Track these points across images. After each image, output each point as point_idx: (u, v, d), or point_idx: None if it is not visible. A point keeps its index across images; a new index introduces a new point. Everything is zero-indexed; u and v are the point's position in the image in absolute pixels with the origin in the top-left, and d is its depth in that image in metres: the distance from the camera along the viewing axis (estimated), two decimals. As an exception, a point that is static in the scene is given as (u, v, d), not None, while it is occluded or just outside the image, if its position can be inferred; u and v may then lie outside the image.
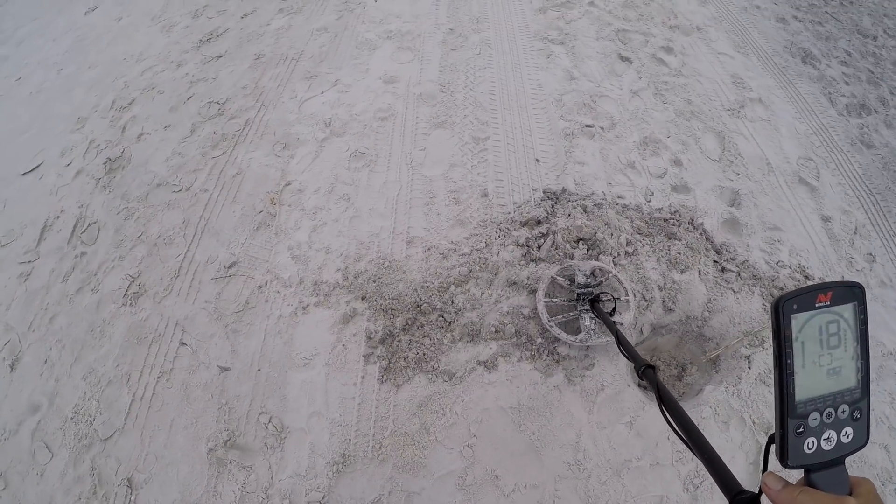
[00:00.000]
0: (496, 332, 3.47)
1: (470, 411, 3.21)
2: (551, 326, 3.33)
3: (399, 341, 3.46)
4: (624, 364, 3.38)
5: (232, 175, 4.59)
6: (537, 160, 4.52)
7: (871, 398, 2.74)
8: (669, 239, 3.97)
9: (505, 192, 4.27)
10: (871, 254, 4.23)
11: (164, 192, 4.59)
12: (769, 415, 3.22)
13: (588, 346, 3.36)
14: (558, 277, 3.55)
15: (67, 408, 3.54)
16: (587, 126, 4.83)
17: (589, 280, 3.53)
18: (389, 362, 3.39)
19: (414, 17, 6.15)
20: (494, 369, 3.34)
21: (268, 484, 3.08)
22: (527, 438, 3.11)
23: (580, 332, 3.33)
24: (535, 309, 3.48)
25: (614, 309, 3.30)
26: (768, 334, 3.54)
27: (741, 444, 3.15)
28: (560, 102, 5.07)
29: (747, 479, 3.06)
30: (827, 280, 3.82)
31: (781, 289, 3.78)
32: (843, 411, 1.03)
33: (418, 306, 3.59)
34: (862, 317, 1.03)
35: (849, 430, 1.03)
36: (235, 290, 3.88)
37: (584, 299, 3.44)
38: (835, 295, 0.99)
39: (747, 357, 3.44)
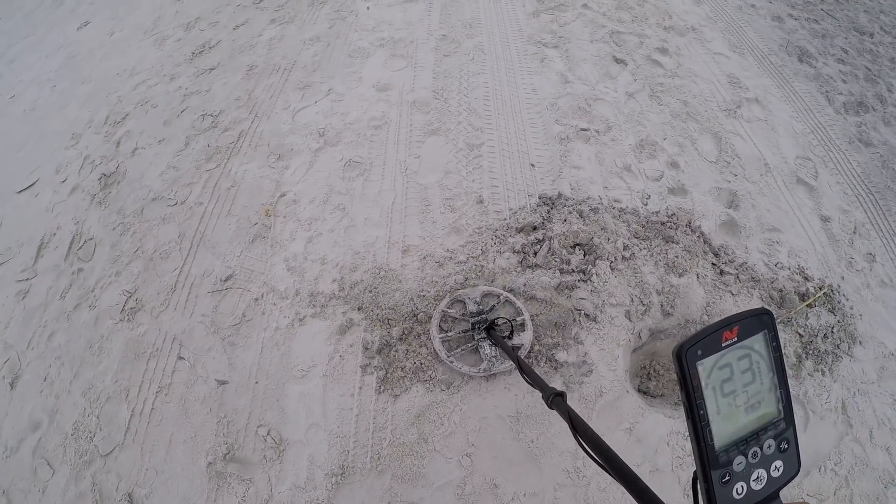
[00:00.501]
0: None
1: (468, 420, 3.20)
2: (451, 361, 3.31)
3: (396, 351, 3.44)
4: (622, 370, 3.37)
5: (227, 187, 4.58)
6: (532, 165, 4.51)
7: (876, 399, 2.71)
8: (667, 242, 3.95)
9: (500, 198, 4.26)
10: (871, 253, 4.21)
11: (159, 206, 4.59)
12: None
13: (493, 375, 3.32)
14: (448, 310, 3.53)
15: (67, 424, 3.53)
16: (582, 130, 4.82)
17: (480, 307, 3.52)
18: (387, 372, 3.37)
19: (406, 23, 6.15)
20: (492, 377, 3.33)
21: (267, 497, 3.06)
22: (525, 447, 3.09)
23: (482, 361, 3.32)
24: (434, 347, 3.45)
25: (512, 332, 3.31)
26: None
27: (742, 448, 3.14)
28: (555, 106, 5.07)
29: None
30: (826, 282, 3.84)
31: (780, 290, 3.76)
32: (769, 446, 1.00)
33: (415, 315, 3.57)
34: (774, 344, 1.00)
35: (778, 463, 1.00)
36: (232, 303, 3.87)
37: (479, 328, 3.41)
38: (742, 329, 0.96)
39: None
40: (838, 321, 3.69)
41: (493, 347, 3.29)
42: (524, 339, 3.36)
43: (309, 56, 5.84)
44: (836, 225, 4.35)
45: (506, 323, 3.30)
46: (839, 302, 3.80)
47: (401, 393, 3.31)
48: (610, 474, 1.48)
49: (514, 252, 3.83)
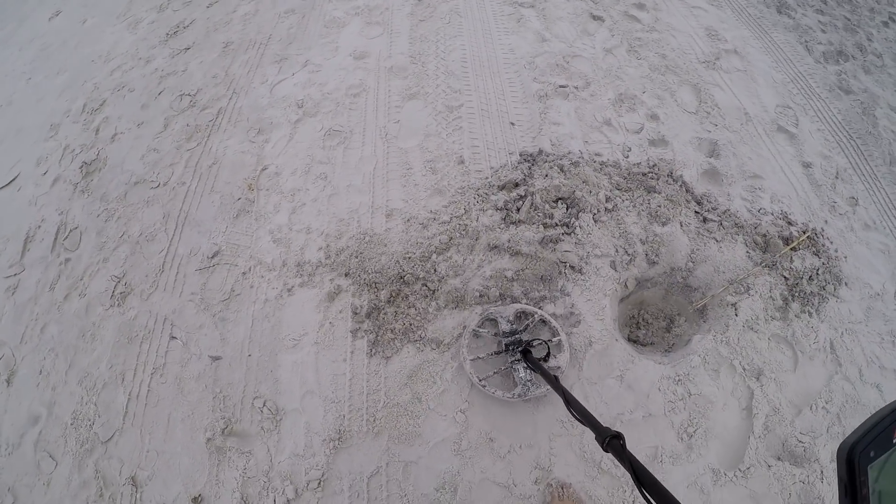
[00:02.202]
0: (480, 296, 3.47)
1: (460, 377, 3.23)
2: (483, 386, 3.13)
3: (385, 314, 3.46)
4: (609, 319, 3.39)
5: (208, 165, 4.57)
6: (512, 124, 4.50)
7: (864, 339, 2.67)
8: (649, 193, 3.95)
9: (481, 157, 4.25)
10: (853, 197, 4.23)
11: (142, 189, 4.57)
12: (758, 360, 3.25)
13: (528, 400, 3.17)
14: (480, 330, 3.36)
15: (66, 415, 3.55)
16: (561, 86, 4.80)
17: (514, 326, 3.31)
18: (377, 335, 3.39)
19: (381, -10, 6.09)
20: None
21: (268, 467, 3.10)
22: (518, 399, 3.11)
23: (516, 385, 3.15)
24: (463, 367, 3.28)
25: (548, 355, 3.03)
26: (754, 281, 3.55)
27: (732, 390, 3.18)
28: (533, 65, 5.04)
29: (741, 424, 3.10)
30: (809, 226, 3.85)
31: (764, 235, 3.76)
32: None
33: (402, 277, 3.58)
34: None
35: None
36: (220, 279, 3.87)
37: (512, 349, 3.18)
38: None
39: (734, 305, 3.44)
40: (823, 263, 3.70)
41: (528, 371, 3.12)
42: (561, 361, 3.21)
43: (284, 29, 5.79)
44: (818, 170, 4.35)
45: (541, 344, 3.11)
46: (823, 245, 3.81)
47: (392, 355, 3.33)
48: None
49: (497, 209, 3.82)
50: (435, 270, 3.59)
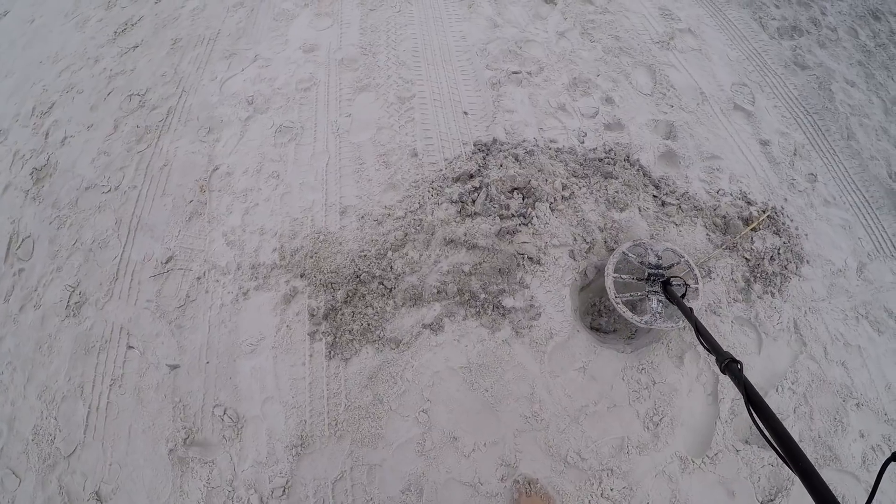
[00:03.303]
0: (438, 292, 3.45)
1: (421, 376, 3.21)
2: (618, 303, 3.23)
3: (342, 315, 3.43)
4: (570, 310, 3.39)
5: (159, 167, 4.48)
6: (465, 113, 4.47)
7: (827, 316, 2.74)
8: (606, 178, 3.94)
9: (435, 149, 4.22)
10: (812, 174, 4.26)
11: (93, 194, 4.47)
12: (722, 344, 3.23)
13: (651, 329, 3.32)
14: (629, 253, 3.46)
15: (27, 430, 3.49)
16: (514, 73, 4.77)
17: (660, 261, 3.44)
18: (335, 337, 3.36)
19: (330, -20, 5.99)
20: (441, 331, 3.34)
21: (231, 476, 3.08)
22: (481, 396, 3.13)
23: (646, 313, 3.24)
24: (605, 283, 3.37)
25: (684, 295, 3.13)
26: (714, 264, 3.57)
27: (697, 376, 3.21)
28: (485, 52, 5.00)
29: (707, 409, 3.13)
30: (769, 205, 3.88)
31: (724, 217, 3.78)
32: None
33: (358, 277, 3.55)
34: None
35: None
36: (175, 285, 3.81)
37: (653, 280, 3.31)
38: None
39: (696, 289, 3.45)
40: (784, 242, 3.73)
41: (661, 304, 3.23)
42: (695, 305, 3.30)
43: (233, 23, 5.68)
44: (776, 148, 4.38)
45: (681, 284, 3.21)
46: (783, 223, 3.84)
47: (351, 356, 3.31)
48: (777, 453, 1.45)
49: (452, 202, 3.79)
50: (391, 268, 3.56)
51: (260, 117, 4.66)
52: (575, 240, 3.61)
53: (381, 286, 3.51)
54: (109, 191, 4.44)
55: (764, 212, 3.85)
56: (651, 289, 3.29)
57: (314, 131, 4.47)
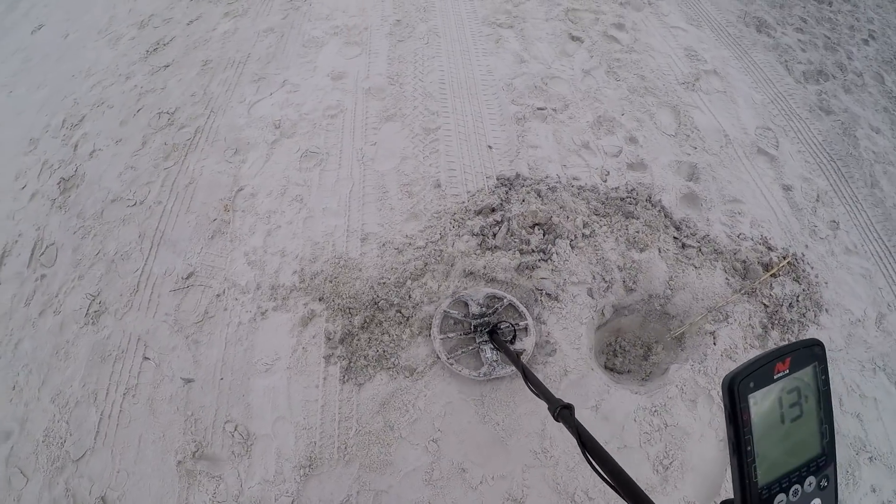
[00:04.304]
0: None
1: (433, 405, 3.21)
2: (451, 364, 3.25)
3: (358, 340, 3.45)
4: (585, 348, 3.39)
5: (185, 185, 4.55)
6: (490, 147, 4.51)
7: (844, 366, 2.75)
8: (627, 218, 3.96)
9: (458, 181, 4.26)
10: (834, 221, 4.26)
11: (118, 207, 4.54)
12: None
13: (493, 379, 3.28)
14: (451, 311, 3.47)
15: (38, 432, 3.51)
16: (539, 109, 4.82)
17: (484, 309, 3.46)
18: (350, 362, 3.38)
19: (360, 10, 6.10)
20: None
21: (237, 492, 3.07)
22: (491, 429, 3.12)
23: (483, 364, 3.27)
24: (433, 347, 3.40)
25: (514, 337, 3.25)
26: (733, 309, 3.56)
27: (710, 421, 3.18)
28: (511, 87, 5.06)
29: (718, 455, 3.09)
30: (790, 251, 3.87)
31: (744, 262, 3.79)
32: (810, 484, 0.98)
33: (376, 303, 3.57)
34: (823, 377, 0.97)
35: (817, 501, 0.99)
36: (194, 301, 3.85)
37: (481, 330, 3.35)
38: (794, 360, 0.93)
39: (712, 333, 3.45)
40: (803, 290, 3.72)
41: (495, 352, 3.25)
42: (527, 344, 3.31)
43: (263, 48, 5.78)
44: (799, 193, 4.38)
45: (508, 327, 3.26)
46: (804, 270, 3.83)
47: (365, 382, 3.31)
48: (619, 493, 1.45)
49: (473, 234, 3.82)
50: (409, 297, 3.59)
51: (286, 141, 4.73)
52: (594, 278, 3.62)
53: (399, 314, 3.53)
54: (135, 205, 4.51)
55: (784, 258, 3.85)
56: (480, 339, 3.32)
57: (339, 158, 4.53)
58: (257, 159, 4.63)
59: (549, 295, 3.52)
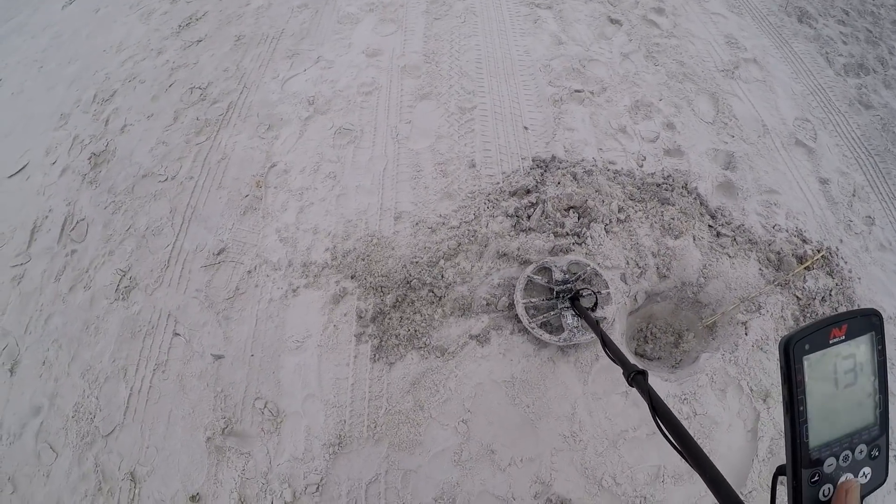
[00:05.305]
0: (487, 304, 3.43)
1: (463, 386, 3.18)
2: (533, 328, 3.24)
3: (390, 319, 3.42)
4: (617, 333, 3.33)
5: (217, 160, 4.54)
6: (526, 128, 4.45)
7: None
8: (663, 204, 3.89)
9: (493, 161, 4.21)
10: (870, 216, 4.16)
11: (149, 182, 4.55)
12: (766, 382, 3.18)
13: (574, 345, 3.27)
14: (535, 276, 3.45)
15: (68, 407, 3.54)
16: (576, 91, 4.74)
17: (567, 276, 3.43)
18: (381, 341, 3.36)
19: (396, -13, 6.04)
20: (487, 343, 3.30)
21: (266, 469, 3.07)
22: (522, 412, 3.08)
23: (563, 330, 3.25)
24: (516, 311, 3.38)
25: (596, 304, 3.23)
26: (765, 300, 3.49)
27: (738, 411, 3.12)
28: (548, 68, 4.99)
29: (745, 446, 3.04)
30: (824, 245, 3.78)
31: (778, 253, 3.71)
32: (861, 451, 0.97)
33: (408, 282, 3.54)
34: (880, 347, 0.96)
35: (867, 469, 0.98)
36: (225, 277, 3.85)
37: (563, 297, 3.33)
38: (850, 328, 0.93)
39: (744, 323, 3.39)
40: (836, 284, 3.64)
41: (576, 318, 3.24)
42: (608, 312, 3.30)
43: (297, 24, 5.75)
44: (835, 187, 4.29)
45: (591, 294, 3.23)
46: (837, 265, 3.74)
47: (396, 361, 3.29)
48: (685, 458, 1.49)
49: (508, 216, 3.78)
50: (442, 276, 3.55)
51: (320, 118, 4.70)
52: (627, 263, 3.56)
53: (431, 294, 3.49)
54: (166, 180, 4.51)
55: (819, 251, 3.76)
56: (563, 305, 3.31)
57: (373, 135, 4.49)
58: (290, 135, 4.61)
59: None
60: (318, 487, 2.98)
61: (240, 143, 4.64)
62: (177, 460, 3.20)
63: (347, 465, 3.03)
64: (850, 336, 0.92)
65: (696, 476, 2.87)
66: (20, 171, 5.23)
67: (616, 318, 3.37)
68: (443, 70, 4.99)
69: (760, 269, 3.64)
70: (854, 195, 4.27)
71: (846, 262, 3.79)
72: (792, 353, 0.89)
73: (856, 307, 3.58)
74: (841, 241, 3.95)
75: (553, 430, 3.05)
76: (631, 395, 3.13)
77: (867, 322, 0.94)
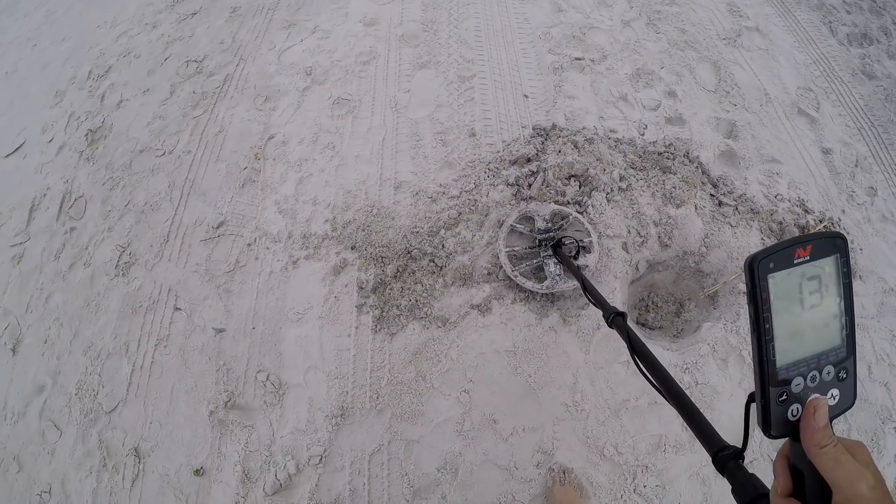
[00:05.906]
0: (489, 274, 3.41)
1: (465, 356, 3.18)
2: (515, 276, 3.27)
3: (391, 289, 3.41)
4: (619, 302, 3.33)
5: (214, 133, 4.50)
6: (526, 96, 4.41)
7: (875, 334, 2.69)
8: (664, 173, 3.86)
9: (493, 130, 4.18)
10: (872, 187, 4.14)
11: (147, 157, 4.51)
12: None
13: (554, 293, 3.29)
14: (517, 225, 3.47)
15: (71, 385, 3.53)
16: (577, 59, 4.70)
17: (549, 224, 3.44)
18: (382, 311, 3.35)
19: (392, -44, 5.96)
20: (488, 312, 3.30)
21: (269, 441, 3.07)
22: (523, 381, 3.09)
23: (546, 278, 3.26)
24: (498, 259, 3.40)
25: (578, 252, 3.28)
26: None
27: (740, 381, 3.13)
28: (548, 36, 4.94)
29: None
30: (826, 215, 3.76)
31: (780, 223, 3.69)
32: (829, 373, 0.97)
33: (409, 252, 3.53)
34: (845, 270, 0.96)
35: (835, 391, 0.97)
36: (225, 250, 3.83)
37: (545, 245, 3.36)
38: (815, 248, 0.92)
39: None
40: (838, 255, 3.62)
41: (558, 266, 3.26)
42: (590, 260, 3.33)
43: (293, -6, 5.69)
44: (838, 157, 4.26)
45: (573, 242, 3.28)
46: (839, 235, 3.72)
47: (397, 331, 3.29)
48: (664, 396, 1.54)
49: (508, 185, 3.75)
50: (443, 246, 3.53)
51: (318, 88, 4.66)
52: (629, 232, 3.53)
53: (432, 263, 3.48)
54: (163, 154, 4.47)
55: (821, 221, 3.74)
56: (545, 253, 3.35)
57: (372, 105, 4.46)
58: (288, 107, 4.57)
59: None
60: (321, 459, 2.98)
61: (237, 116, 4.60)
62: (180, 435, 3.20)
63: (350, 436, 3.03)
64: (814, 257, 0.92)
65: (698, 445, 2.90)
66: (17, 150, 5.19)
67: (597, 268, 3.42)
68: (441, 38, 4.94)
69: (762, 239, 3.62)
70: (857, 165, 4.24)
71: (848, 233, 3.78)
72: (757, 271, 0.89)
73: (857, 278, 3.61)
74: (843, 211, 3.93)
75: (555, 399, 3.05)
76: (632, 364, 3.11)
77: (831, 244, 0.93)
